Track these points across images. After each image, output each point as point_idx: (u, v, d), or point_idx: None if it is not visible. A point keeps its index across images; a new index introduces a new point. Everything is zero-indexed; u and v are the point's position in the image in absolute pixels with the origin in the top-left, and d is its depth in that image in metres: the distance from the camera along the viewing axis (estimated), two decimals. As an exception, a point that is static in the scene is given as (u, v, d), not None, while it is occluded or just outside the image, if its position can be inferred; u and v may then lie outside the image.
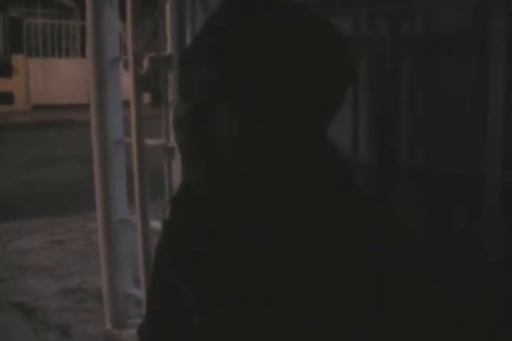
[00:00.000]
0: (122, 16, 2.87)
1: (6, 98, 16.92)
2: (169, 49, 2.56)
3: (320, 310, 0.87)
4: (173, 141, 2.61)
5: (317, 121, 0.92)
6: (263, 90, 0.86)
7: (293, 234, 0.90)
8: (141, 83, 2.69)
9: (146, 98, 12.40)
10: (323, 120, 0.93)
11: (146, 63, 2.75)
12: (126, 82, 2.81)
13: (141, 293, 2.90)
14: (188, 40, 2.36)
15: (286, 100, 0.87)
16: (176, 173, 2.59)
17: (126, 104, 2.88)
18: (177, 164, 2.53)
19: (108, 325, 3.19)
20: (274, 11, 0.89)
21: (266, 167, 0.89)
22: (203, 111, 0.88)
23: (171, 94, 2.62)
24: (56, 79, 17.89)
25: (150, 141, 2.76)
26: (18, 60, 17.63)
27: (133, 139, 2.74)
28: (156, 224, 2.65)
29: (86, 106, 3.51)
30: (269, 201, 0.92)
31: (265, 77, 0.86)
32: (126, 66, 2.87)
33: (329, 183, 0.94)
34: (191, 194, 1.00)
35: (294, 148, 0.90)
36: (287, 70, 0.87)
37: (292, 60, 0.87)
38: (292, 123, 0.88)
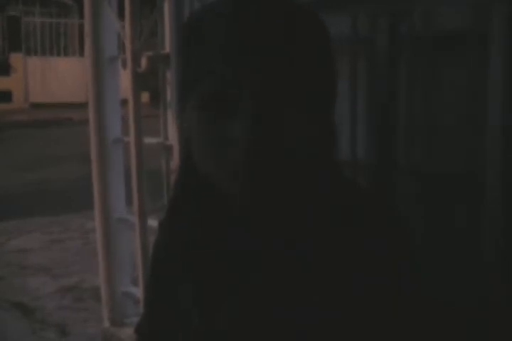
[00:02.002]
0: (120, 15, 2.86)
1: (5, 96, 16.94)
2: (167, 47, 2.56)
3: (320, 310, 0.87)
4: (171, 140, 2.61)
5: (328, 119, 0.93)
6: (253, 88, 0.85)
7: (293, 234, 0.90)
8: (140, 82, 2.69)
9: (145, 97, 12.41)
10: (332, 117, 0.94)
11: (144, 62, 2.75)
12: (124, 80, 2.81)
13: (139, 292, 2.90)
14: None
15: (281, 98, 0.86)
16: (174, 172, 2.59)
17: (124, 102, 2.88)
18: (175, 163, 2.53)
19: (106, 324, 3.19)
20: (280, 11, 0.88)
21: (261, 163, 0.87)
22: (268, 120, 0.85)
23: (170, 93, 2.61)
24: (54, 77, 17.90)
25: (148, 140, 2.76)
26: (16, 59, 17.64)
27: (131, 138, 2.74)
28: (154, 223, 2.65)
29: (84, 105, 3.51)
30: (270, 200, 0.91)
31: (285, 81, 0.85)
32: (124, 64, 2.87)
33: (329, 182, 0.94)
34: (188, 194, 1.00)
35: (292, 145, 0.90)
36: (305, 72, 0.86)
37: (307, 59, 0.87)
38: (291, 121, 0.88)
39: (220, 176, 0.89)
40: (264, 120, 0.84)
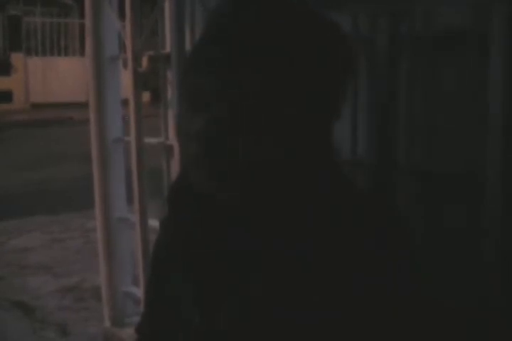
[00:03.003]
0: (121, 14, 2.87)
1: (5, 96, 16.93)
2: (168, 47, 2.56)
3: (320, 310, 0.87)
4: (171, 140, 2.61)
5: (320, 120, 0.92)
6: (254, 88, 0.85)
7: (293, 234, 0.90)
8: (140, 81, 2.69)
9: (146, 96, 12.40)
10: (327, 119, 0.93)
11: (145, 61, 2.75)
12: (125, 80, 2.81)
13: (139, 292, 2.90)
14: (187, 37, 2.36)
15: (281, 98, 0.86)
16: (174, 172, 2.59)
17: (125, 102, 2.88)
18: (176, 162, 2.53)
19: (107, 323, 3.19)
20: (271, 7, 0.88)
21: (261, 163, 0.88)
22: (224, 125, 0.86)
23: (170, 92, 2.61)
24: (55, 77, 17.89)
25: (149, 140, 2.76)
26: (17, 59, 17.63)
27: (132, 138, 2.74)
28: (154, 223, 2.65)
29: (85, 105, 3.51)
30: (270, 200, 0.92)
31: (259, 75, 0.85)
32: (125, 64, 2.87)
33: (329, 182, 0.94)
34: (188, 194, 1.00)
35: (293, 145, 0.90)
36: (285, 69, 0.86)
37: (307, 59, 0.87)
38: (292, 121, 0.88)
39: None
40: (224, 117, 0.85)
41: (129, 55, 2.68)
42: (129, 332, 2.94)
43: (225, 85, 0.85)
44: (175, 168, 2.57)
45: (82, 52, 17.46)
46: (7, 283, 4.36)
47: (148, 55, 2.76)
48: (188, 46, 2.33)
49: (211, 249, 0.96)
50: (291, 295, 0.88)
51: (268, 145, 0.87)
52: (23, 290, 4.21)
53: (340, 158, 0.99)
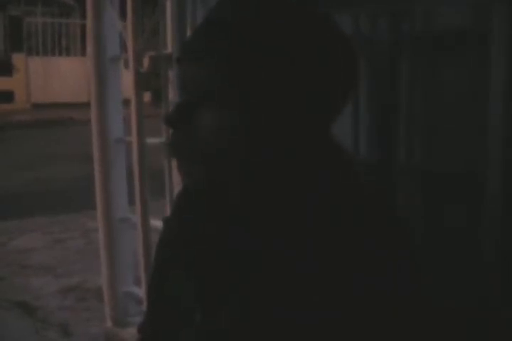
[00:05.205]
0: (122, 14, 2.87)
1: (7, 96, 16.94)
2: (170, 47, 2.56)
3: (320, 310, 0.87)
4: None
5: (320, 120, 0.92)
6: (254, 87, 0.86)
7: (293, 234, 0.90)
8: (142, 81, 2.69)
9: (147, 96, 12.39)
10: (327, 119, 0.93)
11: (146, 61, 2.75)
12: (126, 80, 2.81)
13: (141, 292, 2.90)
14: (189, 38, 2.37)
15: (281, 98, 0.87)
16: (176, 172, 2.60)
17: (126, 102, 2.88)
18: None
19: (108, 324, 3.19)
20: (271, 6, 0.89)
21: (261, 163, 0.88)
22: (188, 109, 0.88)
23: (172, 92, 2.62)
24: (56, 77, 17.91)
25: (150, 140, 2.76)
26: (18, 59, 17.65)
27: (133, 138, 2.74)
28: (156, 223, 2.65)
29: (86, 105, 3.52)
30: (270, 200, 0.92)
31: (259, 74, 0.86)
32: (126, 64, 2.87)
33: (329, 182, 0.94)
34: (192, 193, 1.00)
35: (292, 145, 0.90)
36: (286, 69, 0.86)
37: (293, 57, 0.87)
38: (291, 121, 0.88)
39: None
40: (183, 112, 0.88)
41: (131, 55, 2.69)
42: (131, 332, 2.94)
43: (224, 80, 0.86)
44: (176, 168, 2.57)
45: (83, 53, 17.48)
46: (8, 283, 4.36)
47: (149, 55, 2.76)
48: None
49: (212, 247, 0.96)
50: (292, 295, 0.88)
51: (267, 145, 0.87)
52: (25, 290, 4.22)
53: (352, 156, 0.99)
